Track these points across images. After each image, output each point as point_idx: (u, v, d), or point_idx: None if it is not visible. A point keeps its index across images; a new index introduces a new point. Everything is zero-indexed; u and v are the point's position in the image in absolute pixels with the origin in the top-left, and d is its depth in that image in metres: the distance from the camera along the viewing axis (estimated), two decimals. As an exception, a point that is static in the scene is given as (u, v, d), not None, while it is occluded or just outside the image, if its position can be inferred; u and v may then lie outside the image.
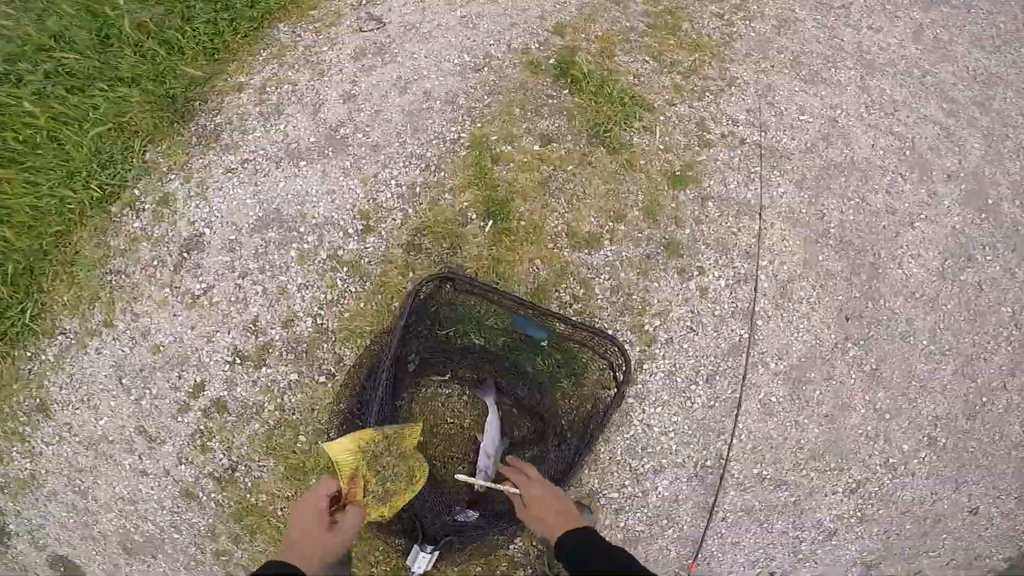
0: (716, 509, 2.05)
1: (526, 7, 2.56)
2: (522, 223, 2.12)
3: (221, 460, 1.99)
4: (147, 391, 2.01)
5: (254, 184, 2.14)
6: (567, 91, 2.35)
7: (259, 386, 1.98)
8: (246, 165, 2.18)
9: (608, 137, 2.26)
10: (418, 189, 2.16)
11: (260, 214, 2.09)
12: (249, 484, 1.99)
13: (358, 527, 1.05)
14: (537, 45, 2.44)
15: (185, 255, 2.07)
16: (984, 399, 2.33)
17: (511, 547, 1.97)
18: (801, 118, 2.48)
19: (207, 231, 2.10)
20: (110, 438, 2.04)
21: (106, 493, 2.08)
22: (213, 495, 2.01)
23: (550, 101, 2.33)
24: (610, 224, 2.16)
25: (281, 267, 2.04)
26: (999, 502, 2.38)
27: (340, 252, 2.03)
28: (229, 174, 2.16)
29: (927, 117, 2.62)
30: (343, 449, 1.12)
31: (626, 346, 1.85)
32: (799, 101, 2.49)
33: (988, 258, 2.43)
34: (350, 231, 2.06)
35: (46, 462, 2.09)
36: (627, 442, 2.06)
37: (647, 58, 2.51)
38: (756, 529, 2.16)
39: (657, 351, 2.08)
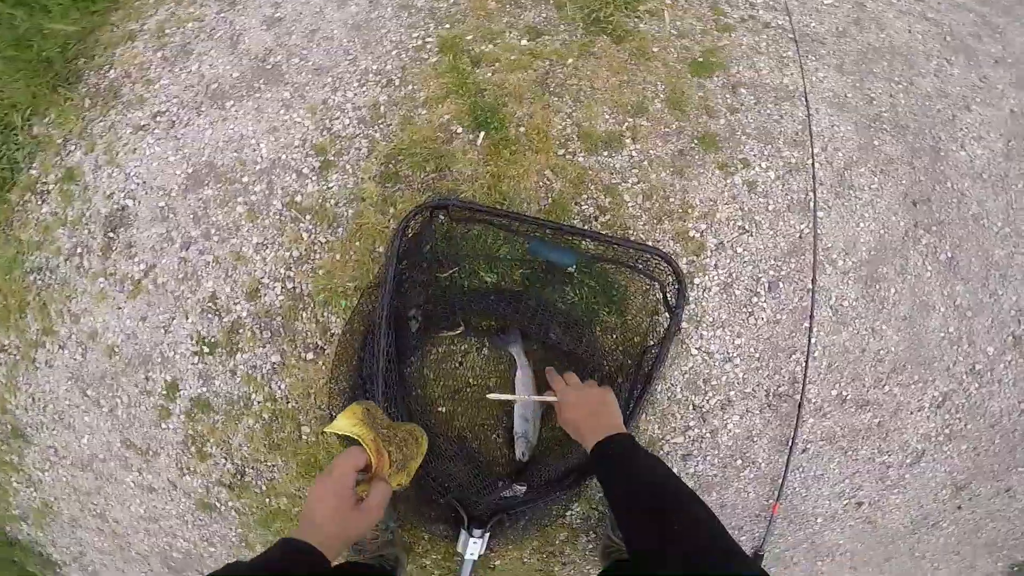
0: (798, 441, 1.72)
1: None
2: (521, 130, 1.73)
3: (226, 466, 1.74)
4: (117, 400, 1.77)
5: (174, 138, 1.83)
6: (551, -23, 1.97)
7: (239, 376, 1.69)
8: (159, 119, 1.87)
9: (610, 24, 1.88)
10: (382, 108, 1.78)
11: (190, 171, 1.78)
12: (264, 487, 1.74)
13: (385, 503, 0.93)
14: None
15: (111, 235, 1.78)
16: None
17: (568, 514, 1.70)
18: (826, 2, 2.16)
19: (130, 202, 1.79)
20: (100, 456, 1.83)
21: (124, 514, 1.90)
22: (231, 504, 1.78)
23: (531, -10, 1.95)
24: (630, 120, 1.78)
25: (229, 228, 1.72)
26: None
27: (298, 198, 1.71)
28: (141, 132, 1.86)
29: (960, 5, 2.34)
30: (354, 422, 0.97)
31: (677, 262, 1.46)
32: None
33: (1053, 138, 2.16)
34: (305, 171, 1.73)
35: (49, 489, 1.93)
36: (686, 376, 1.68)
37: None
38: (840, 458, 1.83)
39: (708, 260, 1.70)
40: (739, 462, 1.76)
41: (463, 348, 1.63)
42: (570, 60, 1.83)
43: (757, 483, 1.78)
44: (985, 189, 2.01)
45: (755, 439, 1.75)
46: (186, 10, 2.01)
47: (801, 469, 1.81)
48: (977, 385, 1.91)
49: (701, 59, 1.90)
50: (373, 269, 1.64)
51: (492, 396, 1.34)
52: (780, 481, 1.73)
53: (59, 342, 1.78)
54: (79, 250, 1.78)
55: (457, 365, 1.62)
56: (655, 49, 1.89)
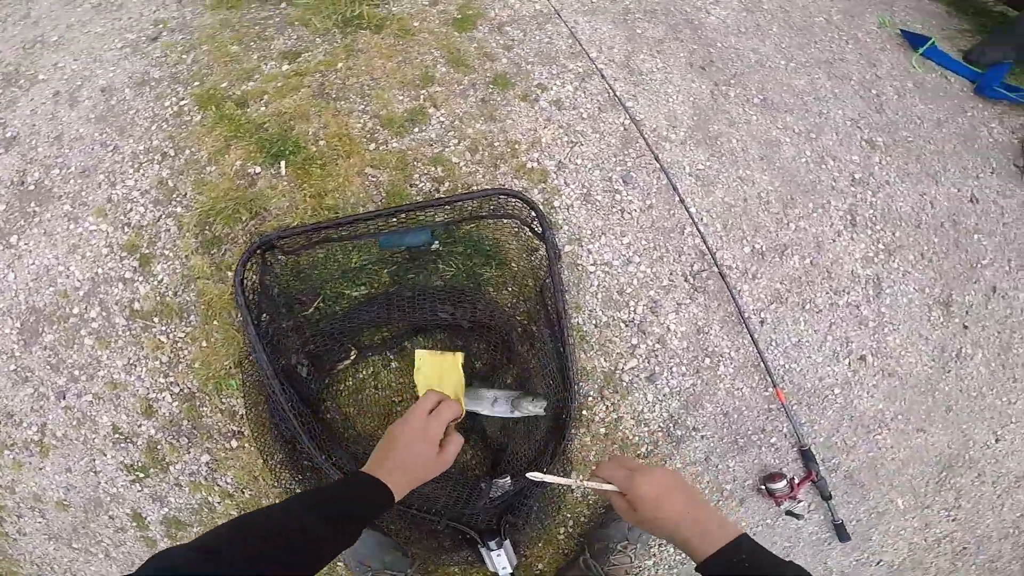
0: (745, 313, 1.70)
1: None
2: (321, 143, 1.64)
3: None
4: (102, 544, 1.68)
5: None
6: (284, 4, 1.94)
7: (185, 486, 1.61)
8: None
9: (363, 20, 1.87)
10: (170, 182, 1.65)
11: (18, 325, 1.63)
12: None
13: (457, 453, 1.03)
14: None
15: (-18, 412, 1.61)
16: (875, 91, 2.27)
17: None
18: None
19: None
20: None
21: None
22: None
23: (270, 21, 1.91)
24: (423, 92, 1.76)
25: (90, 363, 1.61)
26: (987, 184, 2.25)
27: (135, 305, 1.59)
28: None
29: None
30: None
31: (524, 193, 1.45)
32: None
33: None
34: (128, 275, 1.61)
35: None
36: (599, 296, 1.64)
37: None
38: (803, 316, 1.81)
39: (557, 181, 1.70)
40: (707, 360, 1.70)
41: (369, 371, 1.49)
42: (339, 64, 1.78)
43: (742, 375, 1.71)
44: (750, 40, 2.23)
45: (706, 329, 1.71)
46: None
47: (774, 343, 1.76)
48: (870, 192, 2.03)
49: (460, 16, 1.94)
50: (241, 340, 1.51)
51: (534, 476, 0.99)
52: (761, 363, 1.68)
53: (15, 512, 1.70)
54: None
55: (373, 390, 1.47)
56: (416, 24, 1.90)
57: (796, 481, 1.63)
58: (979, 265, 2.01)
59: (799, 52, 2.30)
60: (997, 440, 1.88)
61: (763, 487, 1.63)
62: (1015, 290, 2.01)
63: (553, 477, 0.98)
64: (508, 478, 1.30)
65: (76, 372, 1.60)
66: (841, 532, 1.67)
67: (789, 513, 1.64)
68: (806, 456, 1.66)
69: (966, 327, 1.94)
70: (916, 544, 1.80)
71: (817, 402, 1.76)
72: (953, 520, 1.83)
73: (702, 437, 1.65)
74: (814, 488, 1.66)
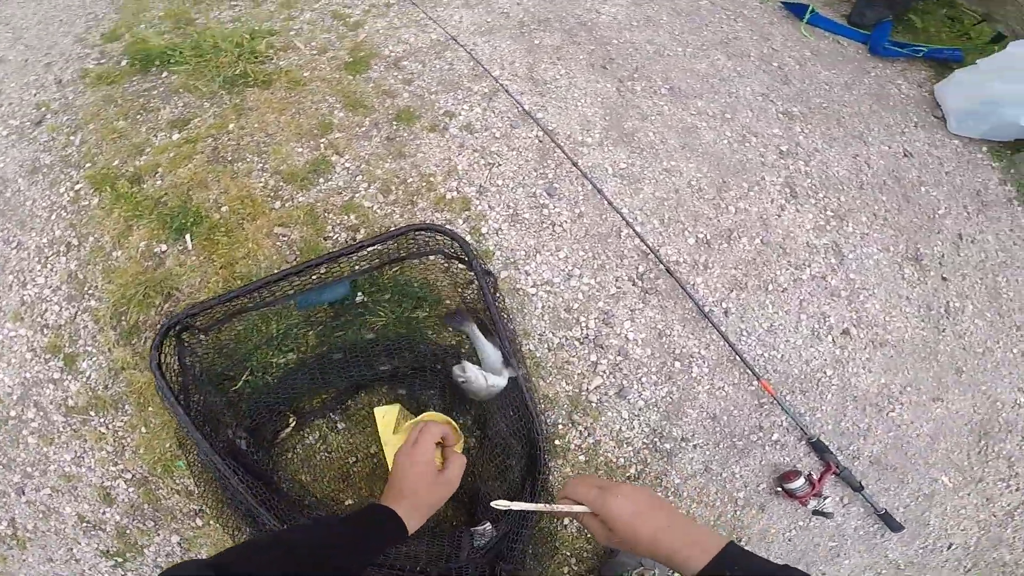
0: (705, 307, 1.65)
1: (53, 42, 2.09)
2: (224, 209, 1.57)
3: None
4: None
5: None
6: (165, 73, 1.87)
7: (163, 566, 1.49)
8: None
9: (249, 77, 1.81)
10: (80, 275, 1.58)
11: None
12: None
13: (461, 474, 1.04)
14: (95, 61, 1.99)
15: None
16: (776, 63, 2.33)
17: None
18: None
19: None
20: None
21: None
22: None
23: (154, 91, 1.84)
24: (324, 140, 1.70)
25: (39, 460, 1.55)
26: (915, 137, 2.27)
27: (70, 402, 1.54)
28: None
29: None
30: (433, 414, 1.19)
31: (447, 226, 1.39)
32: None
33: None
34: (56, 375, 1.56)
35: None
36: (546, 316, 1.59)
37: (233, 1, 2.15)
38: (768, 298, 1.75)
39: (481, 207, 1.66)
40: (677, 364, 1.60)
41: (316, 436, 1.41)
42: (231, 125, 1.71)
43: (720, 373, 1.61)
44: (644, 32, 2.25)
45: (667, 332, 1.64)
46: None
47: (745, 332, 1.68)
48: (802, 162, 2.04)
49: (351, 59, 1.90)
50: (174, 422, 1.41)
51: (499, 504, 0.90)
52: (736, 357, 1.59)
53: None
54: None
55: (325, 454, 1.39)
56: (306, 74, 1.86)
57: (815, 477, 1.51)
58: (936, 215, 2.02)
59: (693, 37, 2.33)
60: (1028, 396, 1.81)
61: (780, 488, 1.51)
62: (981, 233, 2.01)
63: (520, 504, 0.88)
64: (488, 524, 1.23)
65: (28, 469, 1.54)
66: (890, 521, 1.55)
67: (817, 512, 1.51)
68: (818, 448, 1.55)
69: (945, 279, 1.91)
70: (985, 521, 1.66)
71: (812, 388, 1.67)
72: (1016, 490, 1.69)
73: (695, 446, 1.55)
74: (839, 481, 1.55)
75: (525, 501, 0.95)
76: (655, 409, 1.55)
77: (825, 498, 1.52)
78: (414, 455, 1.00)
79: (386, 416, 1.29)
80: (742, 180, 1.92)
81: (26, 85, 1.96)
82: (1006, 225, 2.03)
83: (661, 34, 2.29)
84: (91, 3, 2.25)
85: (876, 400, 1.68)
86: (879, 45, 2.52)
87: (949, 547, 1.63)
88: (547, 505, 0.86)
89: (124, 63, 1.93)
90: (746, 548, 0.76)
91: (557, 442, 1.49)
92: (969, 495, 1.66)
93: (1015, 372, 1.80)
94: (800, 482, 1.48)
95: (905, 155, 2.14)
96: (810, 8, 2.57)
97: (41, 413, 1.52)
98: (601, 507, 0.79)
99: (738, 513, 1.54)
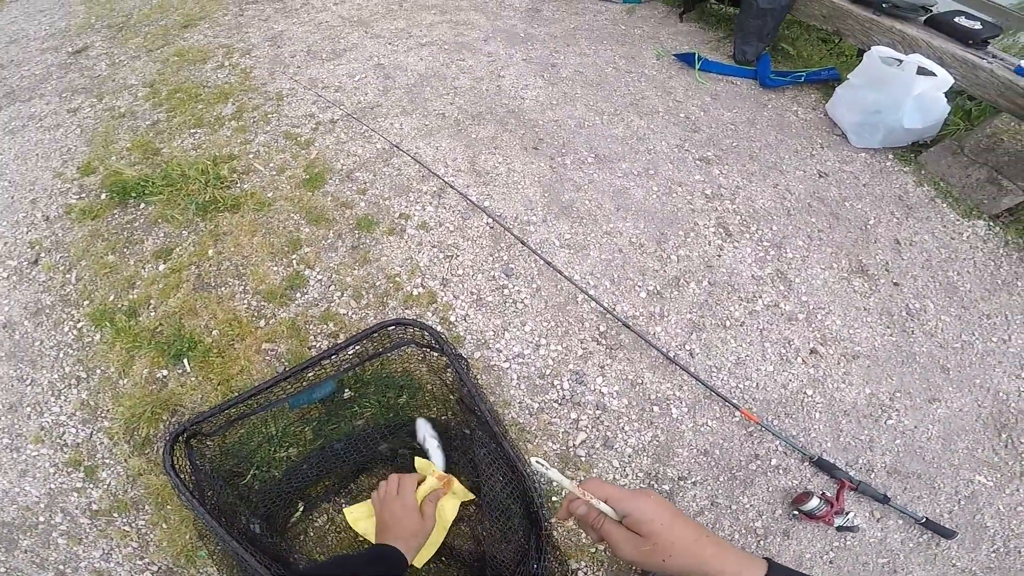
0: (670, 352, 1.85)
1: (35, 178, 2.35)
2: (215, 333, 1.83)
3: None
4: None
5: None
6: (142, 204, 2.14)
7: None
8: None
9: (218, 203, 2.10)
10: (91, 401, 1.80)
11: None
12: None
13: (434, 511, 1.39)
14: (76, 196, 2.25)
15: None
16: (683, 114, 2.69)
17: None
18: (356, 78, 2.70)
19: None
20: None
21: None
22: None
23: (136, 223, 2.11)
24: (295, 256, 1.98)
25: (70, 558, 1.66)
26: (824, 158, 2.55)
27: (94, 506, 1.70)
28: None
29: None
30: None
31: (419, 319, 1.69)
32: (332, 73, 2.75)
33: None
34: (79, 485, 1.73)
35: None
36: (523, 387, 1.81)
37: (192, 129, 2.43)
38: (728, 334, 1.94)
39: (446, 297, 1.94)
40: (656, 409, 1.76)
41: (324, 519, 1.62)
42: (210, 251, 1.99)
43: (700, 410, 1.76)
44: (563, 108, 2.65)
45: (639, 380, 1.82)
46: None
47: (715, 368, 1.85)
48: (728, 201, 2.33)
49: (308, 176, 2.21)
50: (191, 519, 1.63)
51: (537, 464, 0.79)
52: (712, 392, 1.75)
53: None
54: None
55: (335, 534, 1.61)
56: (269, 194, 2.15)
57: (829, 495, 1.57)
58: (868, 226, 2.28)
59: (606, 104, 2.71)
60: (1030, 381, 1.92)
61: (796, 512, 1.56)
62: (917, 235, 2.27)
63: (555, 472, 0.77)
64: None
65: (61, 567, 1.66)
66: (939, 529, 1.56)
67: (843, 528, 1.54)
68: (823, 466, 1.63)
69: (896, 284, 2.10)
70: None
71: (797, 409, 1.79)
72: (1067, 475, 1.75)
73: (694, 483, 1.64)
74: (862, 497, 1.61)
75: (542, 523, 1.23)
76: (644, 454, 1.68)
77: (848, 513, 1.56)
78: (404, 500, 1.34)
79: (353, 513, 1.56)
80: (678, 229, 2.21)
81: (16, 223, 2.20)
82: (937, 224, 2.32)
83: (579, 107, 2.67)
84: (62, 137, 2.52)
85: (868, 411, 1.80)
86: (765, 78, 2.92)
87: (1027, 548, 1.64)
88: (576, 486, 0.74)
89: (104, 196, 2.20)
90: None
91: (555, 498, 1.59)
92: (1019, 490, 1.70)
93: (1005, 360, 1.94)
94: (815, 502, 1.52)
95: (820, 176, 2.48)
96: (698, 56, 2.97)
97: (68, 517, 1.69)
98: (632, 505, 0.68)
99: (763, 543, 1.56)
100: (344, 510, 1.56)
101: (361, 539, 1.65)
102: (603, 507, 0.69)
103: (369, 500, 1.51)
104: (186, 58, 2.95)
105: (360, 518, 1.54)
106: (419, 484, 1.45)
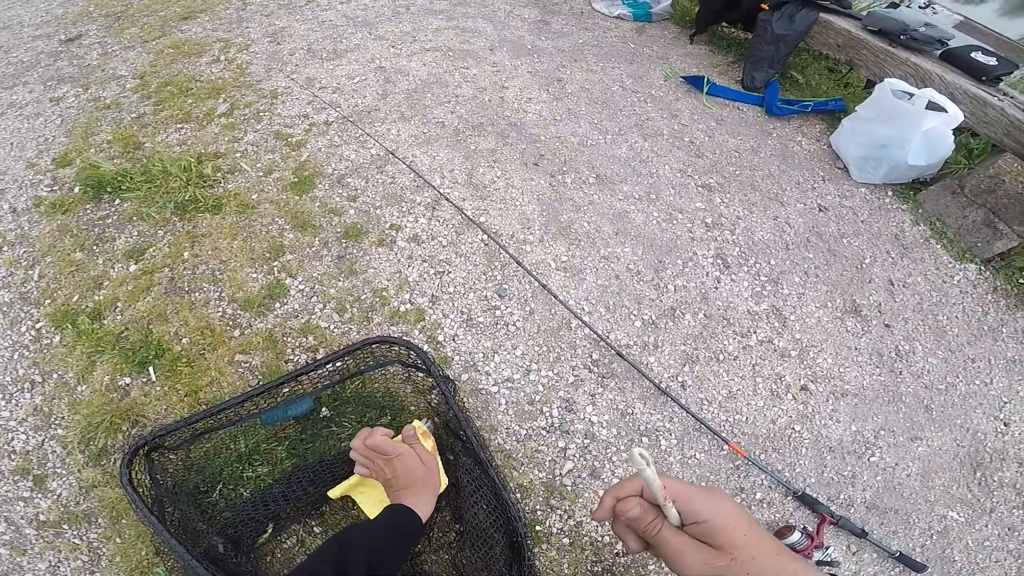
0: (662, 383, 1.83)
1: (5, 168, 2.26)
2: (185, 341, 1.74)
3: None
4: None
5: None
6: (118, 200, 2.05)
7: None
8: None
9: (199, 203, 2.02)
10: (45, 408, 1.70)
11: None
12: None
13: (429, 448, 1.37)
14: (48, 188, 2.16)
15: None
16: (687, 138, 2.66)
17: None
18: (354, 80, 2.64)
19: None
20: None
21: None
22: None
23: (108, 220, 2.02)
24: (277, 263, 1.91)
25: (12, 570, 1.59)
26: (825, 191, 2.53)
27: (41, 517, 1.62)
28: None
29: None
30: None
31: (404, 337, 1.61)
32: (331, 73, 2.70)
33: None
34: (26, 494, 1.64)
35: None
36: (511, 412, 1.76)
37: (179, 124, 2.37)
38: (720, 368, 1.93)
39: (435, 316, 1.88)
40: (644, 440, 1.75)
41: (294, 540, 1.55)
42: (185, 254, 1.91)
43: (688, 442, 1.75)
44: (567, 124, 2.61)
45: (629, 411, 1.79)
46: None
47: (706, 401, 1.85)
48: (728, 231, 2.31)
49: (297, 179, 2.15)
50: (148, 534, 1.55)
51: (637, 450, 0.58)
52: (701, 425, 1.75)
53: None
54: None
55: (304, 557, 1.54)
56: (254, 196, 2.08)
57: (811, 530, 1.61)
58: (863, 265, 2.30)
59: (611, 123, 2.69)
60: (1007, 424, 1.99)
61: None
62: (911, 276, 2.29)
63: (652, 471, 0.53)
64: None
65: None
66: (910, 563, 1.63)
67: (822, 563, 1.55)
68: (806, 501, 1.67)
69: (888, 325, 2.15)
70: (1017, 550, 1.75)
71: (784, 445, 1.81)
72: (1033, 515, 1.83)
73: None
74: (840, 531, 1.65)
75: (525, 553, 1.24)
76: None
77: (827, 548, 1.60)
78: (410, 458, 1.26)
79: (337, 492, 1.46)
80: (676, 258, 2.19)
81: (-20, 216, 2.11)
82: (931, 265, 2.35)
83: (583, 124, 2.64)
84: (41, 127, 2.43)
85: (853, 447, 1.84)
86: (772, 105, 2.93)
87: (989, 581, 1.74)
88: (662, 488, 0.53)
89: (77, 190, 2.11)
90: None
91: (538, 527, 1.58)
92: (987, 526, 1.78)
93: (985, 402, 2.02)
94: (796, 536, 1.57)
95: (820, 210, 2.48)
96: (706, 79, 2.97)
97: (12, 527, 1.60)
98: (707, 508, 0.52)
99: (741, 575, 1.62)
100: (328, 493, 1.46)
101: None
102: (671, 511, 0.54)
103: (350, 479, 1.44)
104: (181, 51, 2.88)
105: (347, 491, 1.46)
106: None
